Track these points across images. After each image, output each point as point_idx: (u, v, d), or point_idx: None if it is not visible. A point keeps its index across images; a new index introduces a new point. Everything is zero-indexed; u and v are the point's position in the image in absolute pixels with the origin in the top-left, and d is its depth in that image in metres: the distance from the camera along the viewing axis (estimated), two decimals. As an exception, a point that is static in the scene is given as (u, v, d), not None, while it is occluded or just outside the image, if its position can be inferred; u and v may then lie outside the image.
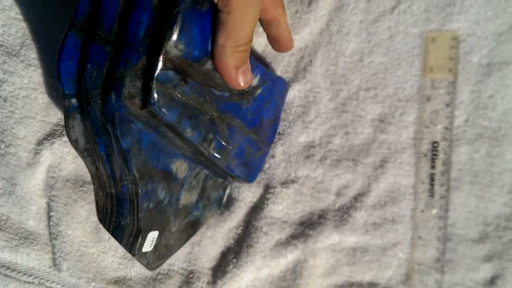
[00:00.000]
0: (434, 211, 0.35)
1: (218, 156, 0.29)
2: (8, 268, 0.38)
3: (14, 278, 0.38)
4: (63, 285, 0.37)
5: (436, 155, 0.35)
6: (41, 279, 0.38)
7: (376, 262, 0.36)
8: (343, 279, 0.36)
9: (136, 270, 0.37)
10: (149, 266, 0.30)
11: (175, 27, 0.22)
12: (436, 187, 0.35)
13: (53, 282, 0.37)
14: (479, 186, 0.35)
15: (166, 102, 0.24)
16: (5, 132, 0.36)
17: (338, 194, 0.36)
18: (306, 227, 0.36)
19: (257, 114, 0.31)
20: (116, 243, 0.37)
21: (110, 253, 0.37)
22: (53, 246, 0.37)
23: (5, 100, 0.36)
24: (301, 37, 0.35)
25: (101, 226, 0.36)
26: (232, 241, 0.37)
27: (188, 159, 0.29)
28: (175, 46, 0.23)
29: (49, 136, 0.36)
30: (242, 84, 0.26)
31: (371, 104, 0.35)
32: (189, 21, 0.23)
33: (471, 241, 0.35)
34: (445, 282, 0.35)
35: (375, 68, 0.35)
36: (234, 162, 0.31)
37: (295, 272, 0.36)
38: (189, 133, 0.26)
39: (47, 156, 0.36)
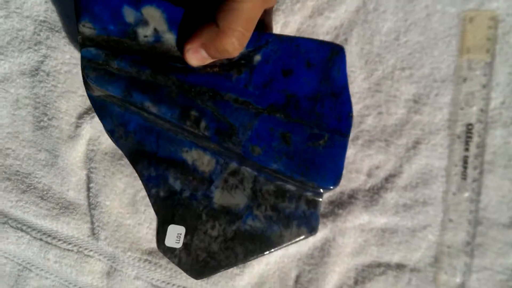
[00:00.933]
0: (466, 194, 0.36)
1: (220, 138, 0.29)
2: (49, 236, 0.41)
3: (55, 245, 0.41)
4: (100, 254, 0.41)
5: (470, 137, 0.36)
6: (80, 247, 0.41)
7: (405, 243, 0.37)
8: (371, 259, 0.38)
9: (169, 242, 0.40)
10: (183, 266, 0.30)
11: (76, 10, 0.29)
12: (469, 170, 0.36)
13: (91, 250, 0.41)
14: (514, 170, 0.36)
15: (102, 76, 0.29)
16: (48, 105, 0.39)
17: (369, 175, 0.38)
18: (336, 206, 0.38)
19: (274, 87, 0.30)
20: (151, 216, 0.40)
21: (145, 225, 0.40)
22: (91, 216, 0.40)
23: (48, 74, 0.39)
24: (337, 15, 0.37)
25: (137, 198, 0.39)
26: (262, 217, 0.39)
27: (208, 151, 0.30)
28: (83, 26, 0.29)
29: (90, 110, 0.39)
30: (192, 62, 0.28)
31: (406, 84, 0.37)
32: (86, 3, 0.29)
33: (503, 226, 0.36)
34: (474, 266, 0.37)
35: (411, 48, 0.36)
36: (257, 149, 0.29)
37: (323, 250, 0.38)
38: (152, 107, 0.29)
39: (87, 130, 0.39)
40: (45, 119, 0.40)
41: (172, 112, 0.29)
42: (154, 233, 0.41)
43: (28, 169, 0.42)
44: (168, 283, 0.41)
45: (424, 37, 0.36)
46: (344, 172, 0.38)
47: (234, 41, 0.26)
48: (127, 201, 0.40)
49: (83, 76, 0.30)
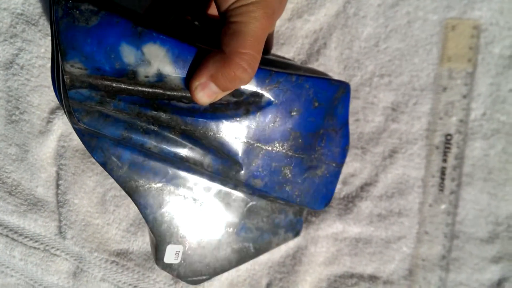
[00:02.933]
0: (443, 206, 0.37)
1: (224, 175, 0.29)
2: (15, 233, 0.42)
3: (21, 242, 0.42)
4: (67, 253, 0.41)
5: (448, 148, 0.36)
6: (47, 245, 0.41)
7: (379, 254, 0.38)
8: (344, 269, 0.38)
9: (138, 244, 0.40)
10: (182, 278, 0.32)
11: (60, 49, 0.25)
12: (447, 181, 0.36)
13: (57, 249, 0.41)
14: (492, 183, 0.36)
15: (97, 119, 0.26)
16: (20, 99, 0.40)
17: (344, 183, 0.38)
18: (309, 213, 0.38)
19: (279, 125, 0.30)
20: (121, 216, 0.40)
21: (114, 226, 0.40)
22: (59, 214, 0.41)
23: (22, 68, 0.40)
24: (316, 19, 0.37)
25: (106, 198, 0.40)
26: (234, 222, 0.40)
27: (205, 176, 0.31)
28: (72, 66, 0.25)
29: (62, 106, 0.40)
30: (200, 100, 0.26)
31: (384, 91, 0.37)
32: (73, 41, 0.25)
33: (480, 240, 0.36)
34: (449, 281, 0.37)
35: (391, 54, 0.36)
36: (258, 182, 0.30)
37: (295, 258, 0.38)
38: (154, 148, 0.28)
39: (59, 125, 0.40)
40: (17, 113, 0.41)
41: (176, 153, 0.28)
42: (123, 234, 0.41)
43: (-2, 163, 0.42)
44: (135, 287, 0.41)
45: (405, 44, 0.37)
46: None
47: (244, 66, 0.24)
48: (96, 200, 0.41)
49: (68, 112, 0.27)
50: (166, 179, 0.30)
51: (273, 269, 0.40)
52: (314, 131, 0.31)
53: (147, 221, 0.30)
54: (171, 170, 0.30)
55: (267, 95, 0.28)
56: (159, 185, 0.30)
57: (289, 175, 0.31)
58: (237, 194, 0.32)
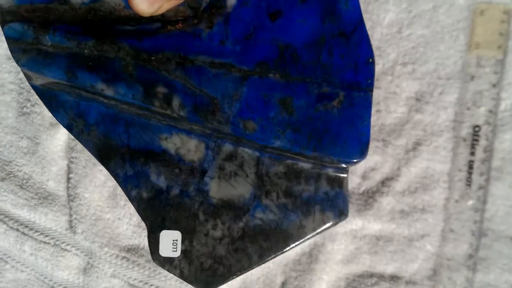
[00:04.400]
0: (470, 202, 0.35)
1: (201, 118, 0.23)
2: (26, 227, 0.41)
3: (31, 237, 0.41)
4: (77, 248, 0.40)
5: (477, 140, 0.34)
6: (57, 240, 0.41)
7: (401, 253, 0.36)
8: (363, 268, 0.37)
9: (150, 240, 0.39)
10: (187, 278, 0.25)
11: None
12: (475, 176, 0.34)
13: (68, 244, 0.40)
14: (524, 178, 0.34)
15: (35, 58, 0.23)
16: (31, 91, 0.39)
17: (364, 177, 0.36)
18: (327, 209, 0.37)
19: (260, 38, 0.23)
20: (131, 211, 0.39)
21: (125, 220, 0.39)
22: (70, 208, 0.40)
23: (32, 58, 0.39)
24: (335, 5, 0.35)
25: (117, 192, 0.39)
26: (248, 218, 0.38)
27: (193, 134, 0.25)
28: None
29: (72, 97, 0.39)
30: (141, 8, 0.20)
31: (407, 80, 0.35)
32: None
33: (510, 239, 0.34)
34: (477, 282, 0.35)
35: (415, 41, 0.35)
36: (251, 125, 0.24)
37: (311, 256, 0.37)
38: (106, 89, 0.23)
39: (69, 117, 0.39)
40: (28, 105, 0.40)
41: (134, 92, 0.23)
42: (134, 229, 0.40)
43: (10, 156, 0.42)
44: (146, 283, 0.40)
45: (429, 30, 0.35)
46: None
47: None
48: (107, 194, 0.40)
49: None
50: (145, 142, 0.24)
51: (288, 267, 0.38)
52: (313, 39, 0.23)
53: (129, 198, 0.25)
54: (151, 129, 0.24)
55: None
56: (139, 150, 0.24)
57: (293, 110, 0.23)
58: (241, 158, 0.25)
